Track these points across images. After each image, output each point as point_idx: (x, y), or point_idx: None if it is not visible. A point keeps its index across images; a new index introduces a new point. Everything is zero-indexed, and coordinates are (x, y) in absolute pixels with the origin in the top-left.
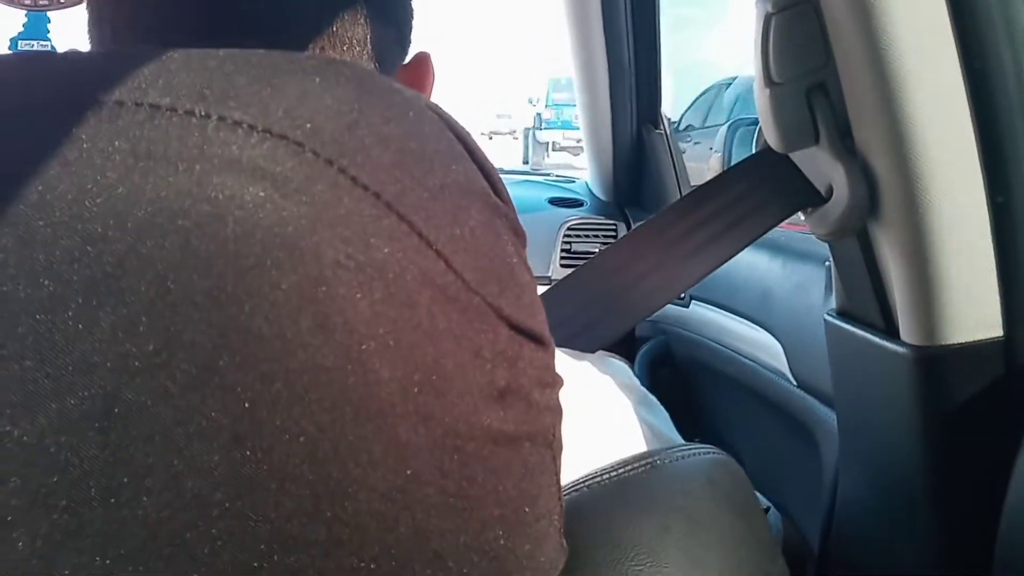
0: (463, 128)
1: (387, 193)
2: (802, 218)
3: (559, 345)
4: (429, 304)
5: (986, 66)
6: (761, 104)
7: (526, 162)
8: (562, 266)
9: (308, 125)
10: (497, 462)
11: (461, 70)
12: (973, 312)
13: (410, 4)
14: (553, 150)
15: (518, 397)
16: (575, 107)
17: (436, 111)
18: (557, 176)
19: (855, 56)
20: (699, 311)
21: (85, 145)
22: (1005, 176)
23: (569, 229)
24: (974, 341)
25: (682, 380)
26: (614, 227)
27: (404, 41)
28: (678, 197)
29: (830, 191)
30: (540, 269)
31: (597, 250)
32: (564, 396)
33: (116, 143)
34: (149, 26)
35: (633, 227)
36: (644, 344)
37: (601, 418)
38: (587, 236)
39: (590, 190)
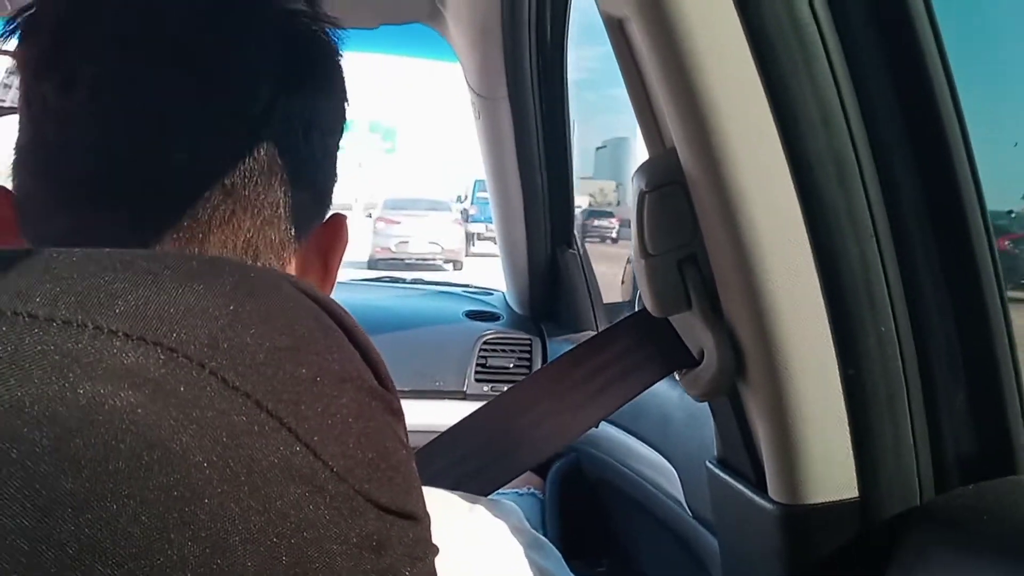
0: (345, 314)
1: (257, 392)
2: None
3: (454, 487)
4: (297, 496)
5: (833, 250)
6: (639, 272)
7: None
8: (477, 380)
9: (182, 331)
10: None
11: (400, 168)
12: (830, 474)
13: (333, 167)
14: (478, 240)
15: (386, 575)
16: None
17: (319, 301)
18: (475, 288)
19: (718, 234)
20: (609, 431)
21: None
22: (855, 350)
23: (485, 343)
24: (832, 501)
25: (592, 498)
26: (529, 342)
27: (322, 205)
28: (591, 313)
29: (702, 354)
30: (455, 383)
31: (512, 365)
32: (454, 547)
33: None
34: (62, 187)
35: (548, 342)
36: (556, 461)
37: (493, 564)
38: (503, 351)
39: (507, 303)
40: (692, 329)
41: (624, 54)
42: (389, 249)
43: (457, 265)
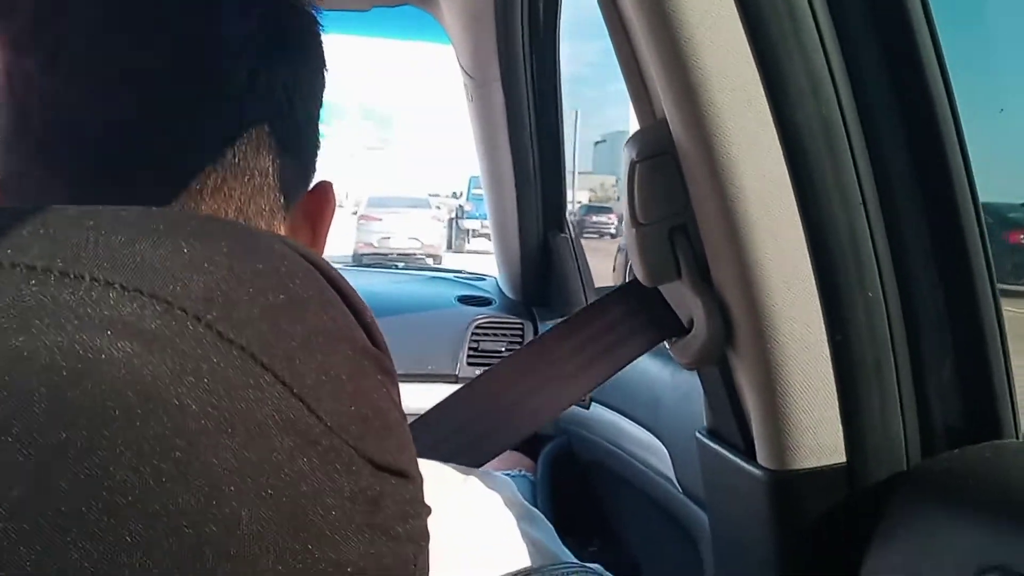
0: (339, 275)
1: (252, 346)
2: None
3: (447, 459)
4: (291, 448)
5: (821, 219)
6: (629, 242)
7: (450, 247)
8: (469, 364)
9: (178, 284)
10: None
11: (397, 164)
12: (818, 440)
13: (316, 136)
14: (473, 236)
15: (379, 532)
16: None
17: (312, 261)
18: (467, 274)
19: (708, 204)
20: (599, 412)
21: None
22: (842, 317)
23: (477, 328)
24: (820, 466)
25: (583, 479)
26: (520, 326)
27: (308, 172)
28: (582, 297)
29: (691, 323)
30: (447, 367)
31: (504, 349)
32: (446, 516)
33: None
34: (51, 156)
35: (539, 326)
36: (547, 443)
37: (484, 534)
38: (495, 335)
39: (499, 288)
40: (682, 298)
41: (615, 26)
42: (372, 244)
43: (436, 260)
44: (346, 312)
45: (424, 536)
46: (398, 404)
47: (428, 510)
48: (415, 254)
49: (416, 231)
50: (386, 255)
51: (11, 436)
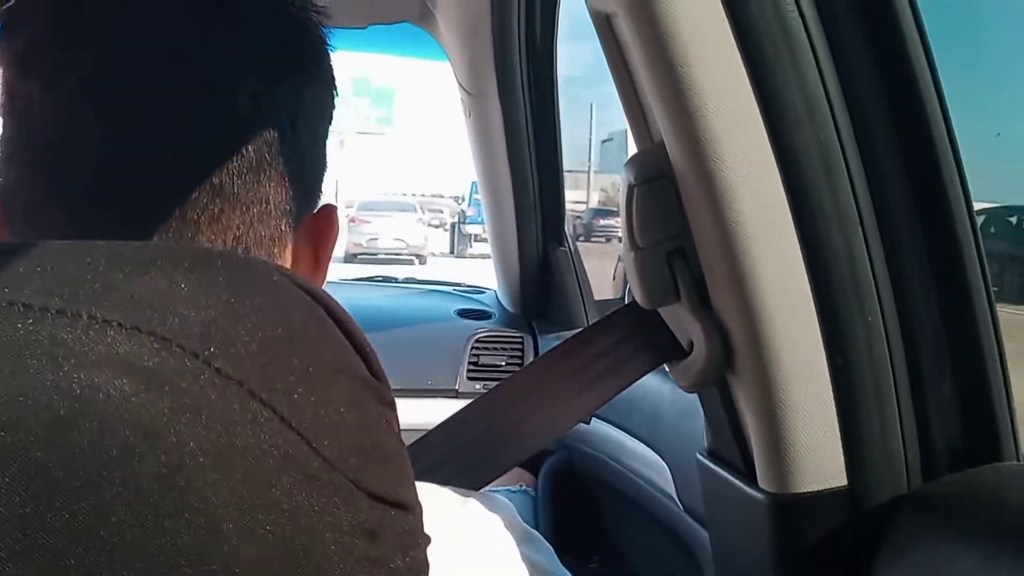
0: (338, 306)
1: (251, 381)
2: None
3: (448, 480)
4: (289, 484)
5: (819, 242)
6: (628, 265)
7: (453, 251)
8: (469, 379)
9: (175, 320)
10: None
11: (399, 170)
12: (819, 463)
13: (323, 156)
14: (475, 241)
15: (378, 565)
16: None
17: (311, 292)
18: (467, 287)
19: (707, 227)
20: (600, 428)
21: None
22: (842, 340)
23: (477, 342)
24: (821, 490)
25: (585, 495)
26: (520, 340)
27: (312, 195)
28: (582, 310)
29: (691, 345)
30: (447, 382)
31: (504, 363)
32: (446, 541)
33: None
34: (53, 186)
35: (539, 340)
36: (548, 457)
37: (485, 558)
38: (495, 349)
39: (499, 302)
40: (681, 321)
41: (612, 49)
42: (361, 245)
43: (421, 260)
44: (345, 344)
45: (424, 567)
46: (398, 435)
47: (428, 540)
48: (401, 254)
49: (402, 233)
50: (375, 254)
51: (8, 476)
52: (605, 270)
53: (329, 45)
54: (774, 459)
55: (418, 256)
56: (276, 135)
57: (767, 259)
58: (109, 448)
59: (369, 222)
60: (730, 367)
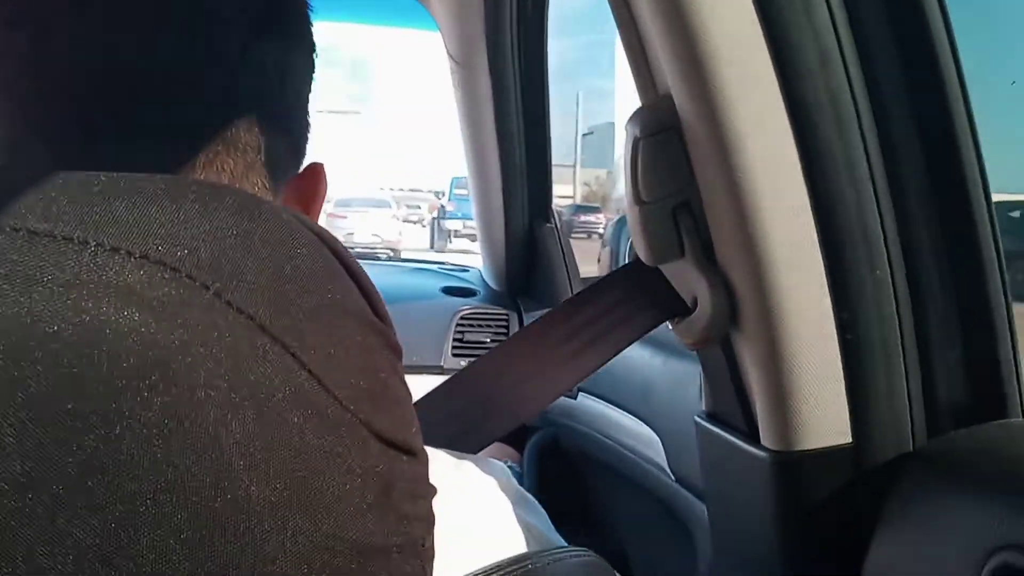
0: (343, 248)
1: (261, 316)
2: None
3: (441, 446)
4: (300, 423)
5: (829, 197)
6: (631, 220)
7: (432, 247)
8: (454, 355)
9: (185, 251)
10: (365, 574)
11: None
12: (824, 420)
13: (306, 117)
14: (455, 237)
15: (388, 509)
16: None
17: (317, 232)
18: (452, 265)
19: (714, 181)
20: (587, 403)
21: None
22: (849, 295)
23: (462, 318)
24: (826, 447)
25: (570, 471)
26: (506, 317)
27: (298, 151)
28: (568, 287)
29: (695, 302)
30: (432, 358)
31: (489, 340)
32: (442, 499)
33: None
34: (40, 122)
35: (524, 317)
36: (533, 434)
37: (479, 520)
38: (479, 326)
39: (484, 280)
40: (685, 277)
41: (619, 1)
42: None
43: (396, 253)
44: (352, 285)
45: (431, 516)
46: (404, 380)
47: (434, 490)
48: (376, 249)
49: (377, 228)
50: (351, 248)
51: (13, 406)
52: (588, 271)
53: (311, 8)
54: (778, 417)
55: (393, 250)
56: (264, 87)
57: (775, 212)
58: (118, 379)
59: (345, 217)
60: (735, 323)
